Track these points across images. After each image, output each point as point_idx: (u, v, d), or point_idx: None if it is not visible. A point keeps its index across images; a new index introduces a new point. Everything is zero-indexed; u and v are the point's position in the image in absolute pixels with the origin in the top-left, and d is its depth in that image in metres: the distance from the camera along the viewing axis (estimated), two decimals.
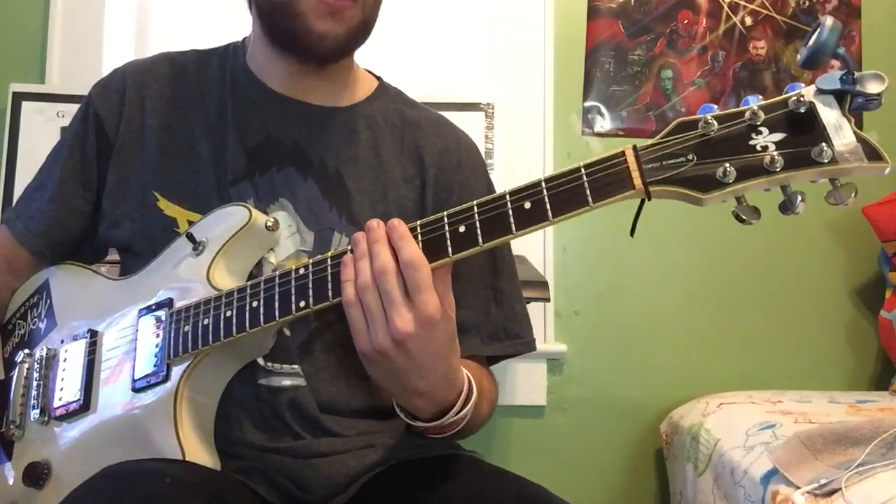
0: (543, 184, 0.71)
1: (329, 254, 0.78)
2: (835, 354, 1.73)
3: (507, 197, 0.72)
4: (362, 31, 0.93)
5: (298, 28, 0.88)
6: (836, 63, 0.66)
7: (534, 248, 1.64)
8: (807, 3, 1.77)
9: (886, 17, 1.79)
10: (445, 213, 0.74)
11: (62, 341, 0.94)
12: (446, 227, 0.73)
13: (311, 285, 0.77)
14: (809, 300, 1.73)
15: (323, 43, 0.88)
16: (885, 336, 1.64)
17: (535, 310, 1.62)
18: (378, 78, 1.07)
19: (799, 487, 1.01)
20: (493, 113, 1.63)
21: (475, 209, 0.73)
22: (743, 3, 1.76)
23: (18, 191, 1.37)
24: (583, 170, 0.70)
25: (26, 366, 0.95)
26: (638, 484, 1.67)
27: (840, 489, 0.95)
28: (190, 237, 0.88)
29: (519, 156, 1.66)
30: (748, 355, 1.70)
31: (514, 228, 0.71)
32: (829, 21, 0.63)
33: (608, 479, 1.67)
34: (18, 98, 1.56)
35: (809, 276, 1.73)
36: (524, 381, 1.64)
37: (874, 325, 1.71)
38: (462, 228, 0.73)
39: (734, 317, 1.71)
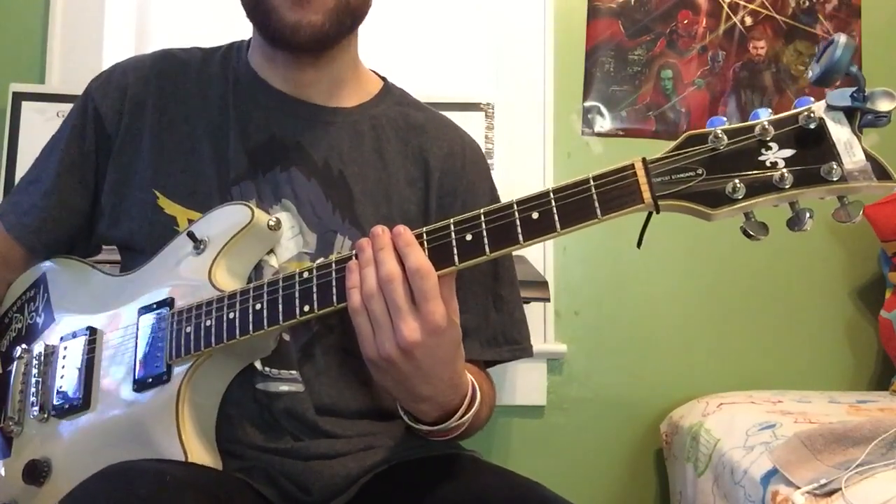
0: (552, 194, 0.70)
1: (333, 258, 0.78)
2: (835, 354, 1.73)
3: (515, 206, 0.71)
4: (345, 14, 0.89)
5: (273, 22, 0.88)
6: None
7: (534, 247, 1.63)
8: (807, 3, 1.77)
9: (886, 17, 1.79)
10: (452, 220, 0.74)
11: (61, 338, 0.93)
12: (453, 235, 0.73)
13: (315, 290, 0.77)
14: (809, 300, 1.73)
15: (298, 33, 0.87)
16: (885, 336, 1.64)
17: (535, 310, 1.62)
18: (383, 79, 1.06)
19: (799, 487, 1.01)
20: (493, 113, 1.63)
21: (482, 218, 0.72)
22: (743, 3, 1.76)
23: None
24: (591, 181, 0.70)
25: (24, 361, 0.95)
26: (638, 484, 1.67)
27: (840, 489, 0.95)
28: (191, 235, 0.88)
29: (519, 156, 1.66)
30: (748, 355, 1.70)
31: (521, 239, 0.71)
32: (842, 39, 0.63)
33: (608, 479, 1.67)
34: (18, 98, 1.56)
35: (809, 276, 1.73)
36: (524, 381, 1.64)
37: (874, 325, 1.71)
38: (469, 237, 0.72)
39: (734, 317, 1.71)
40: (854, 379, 1.73)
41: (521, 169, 1.65)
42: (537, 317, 1.64)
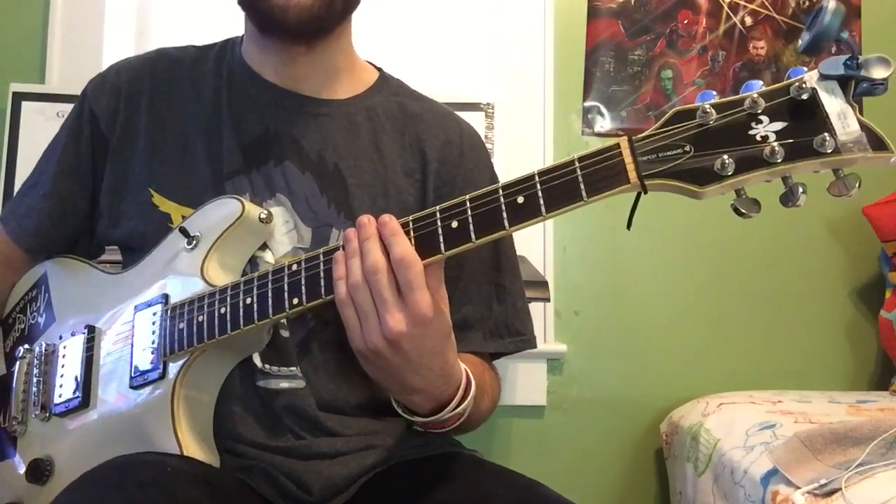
0: (537, 177, 0.69)
1: (321, 249, 0.77)
2: (835, 354, 1.73)
3: (500, 191, 0.70)
4: None
5: (261, 4, 0.87)
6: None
7: (534, 247, 1.64)
8: (807, 3, 1.77)
9: (886, 17, 1.79)
10: (438, 207, 0.73)
11: (61, 337, 0.94)
12: (439, 223, 0.72)
13: (303, 282, 0.77)
14: (809, 300, 1.73)
15: (286, 15, 0.86)
16: (885, 336, 1.63)
17: (535, 310, 1.61)
18: (379, 69, 1.05)
19: (799, 487, 1.00)
20: (493, 113, 1.63)
21: (468, 204, 0.71)
22: (743, 3, 1.76)
23: None
24: (577, 163, 0.68)
25: (26, 361, 0.95)
26: (638, 484, 1.67)
27: (840, 489, 0.95)
28: (183, 231, 0.88)
29: (519, 156, 1.66)
30: (748, 355, 1.70)
31: (506, 224, 0.70)
32: (831, 4, 0.61)
33: (608, 479, 1.67)
34: (18, 98, 1.56)
35: (809, 276, 1.73)
36: (524, 381, 1.64)
37: (874, 325, 1.70)
38: (454, 224, 0.71)
39: (734, 317, 1.71)
40: (854, 379, 1.73)
41: (520, 169, 1.62)
42: (537, 317, 1.64)
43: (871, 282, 1.73)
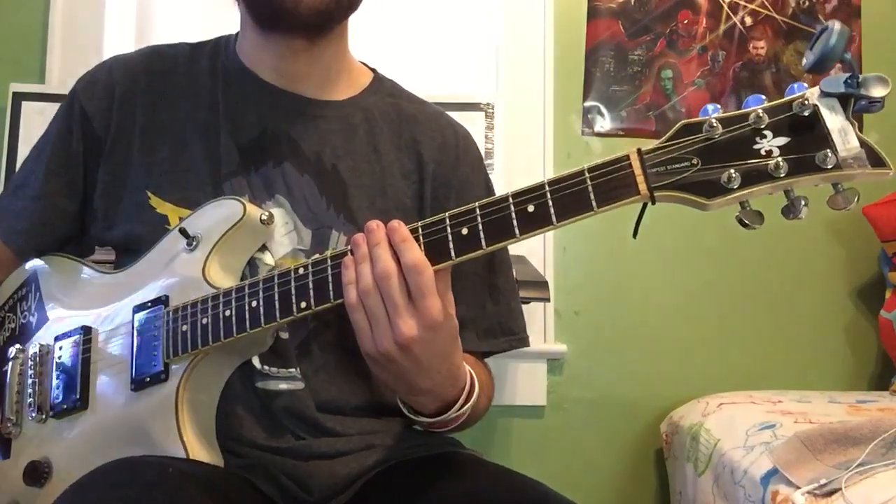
0: (547, 187, 0.70)
1: (328, 253, 0.78)
2: (835, 354, 1.73)
3: (510, 199, 0.71)
4: None
5: None
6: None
7: (534, 248, 1.64)
8: (807, 3, 1.78)
9: (886, 17, 1.79)
10: (447, 214, 0.73)
11: (55, 337, 0.92)
12: (448, 230, 0.73)
13: (311, 286, 0.77)
14: (809, 300, 1.73)
15: (298, 7, 0.85)
16: (885, 336, 1.64)
17: (535, 310, 1.62)
18: (373, 70, 1.05)
19: (799, 487, 1.01)
20: (493, 113, 1.63)
21: (478, 211, 0.72)
22: (743, 3, 1.76)
23: None
24: (587, 173, 0.69)
25: (19, 361, 0.94)
26: (638, 484, 1.67)
27: (840, 489, 0.95)
28: (183, 232, 0.87)
29: (519, 156, 1.66)
30: (748, 355, 1.70)
31: (517, 232, 0.70)
32: (837, 26, 0.63)
33: (608, 479, 1.67)
34: (18, 98, 1.56)
35: (809, 276, 1.73)
36: (524, 381, 1.64)
37: (874, 325, 1.71)
38: (465, 231, 0.72)
39: (734, 317, 1.71)
40: (854, 379, 1.73)
41: (521, 169, 1.65)
42: (537, 317, 1.64)
43: (871, 282, 1.74)
